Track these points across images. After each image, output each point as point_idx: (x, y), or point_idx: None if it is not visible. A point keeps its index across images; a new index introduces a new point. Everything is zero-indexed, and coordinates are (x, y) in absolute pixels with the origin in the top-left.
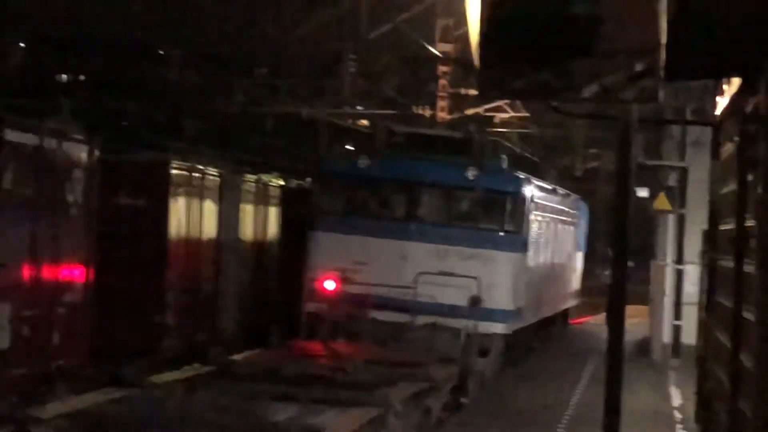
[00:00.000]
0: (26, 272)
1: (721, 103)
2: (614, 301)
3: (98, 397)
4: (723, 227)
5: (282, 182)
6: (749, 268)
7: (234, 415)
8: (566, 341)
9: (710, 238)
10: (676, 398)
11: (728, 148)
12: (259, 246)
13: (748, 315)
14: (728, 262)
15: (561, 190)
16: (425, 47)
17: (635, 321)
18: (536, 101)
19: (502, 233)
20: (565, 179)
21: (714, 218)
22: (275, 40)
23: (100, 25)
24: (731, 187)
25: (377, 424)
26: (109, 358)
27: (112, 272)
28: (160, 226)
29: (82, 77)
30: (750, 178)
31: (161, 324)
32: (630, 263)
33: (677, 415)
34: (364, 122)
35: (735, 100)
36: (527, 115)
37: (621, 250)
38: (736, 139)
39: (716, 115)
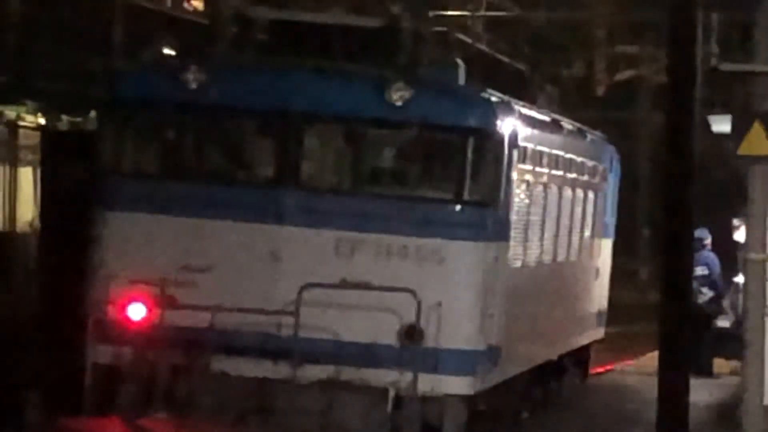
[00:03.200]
0: None
1: None
2: (670, 332)
3: None
4: None
5: (44, 121)
6: None
7: None
8: (584, 406)
9: None
10: None
11: None
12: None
13: None
14: None
15: (569, 125)
16: None
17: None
18: None
19: (459, 207)
20: (578, 104)
21: None
22: None
23: None
24: None
25: None
26: None
27: None
28: None
29: None
30: None
31: None
32: (705, 258)
33: None
34: (197, 3)
35: None
36: None
37: (679, 235)
38: None
39: None
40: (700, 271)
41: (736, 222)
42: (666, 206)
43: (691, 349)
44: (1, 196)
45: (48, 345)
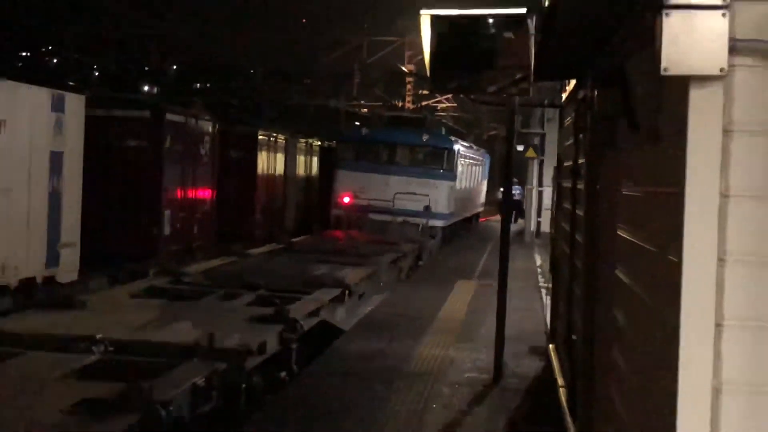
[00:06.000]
0: (178, 194)
1: (564, 95)
2: (504, 208)
3: (220, 261)
4: (565, 164)
5: (319, 143)
6: (580, 186)
7: (295, 270)
8: (477, 231)
9: (558, 171)
10: (538, 260)
11: (568, 120)
12: (307, 178)
13: (579, 212)
14: (568, 184)
15: (475, 147)
16: (399, 67)
17: (517, 223)
18: (461, 95)
19: (441, 170)
20: (477, 140)
21: (560, 160)
22: (316, 62)
23: (216, 56)
24: (569, 142)
25: (373, 276)
26: (227, 243)
27: (227, 193)
28: (252, 167)
29: (207, 84)
30: (580, 137)
31: (254, 221)
32: (516, 188)
33: (539, 270)
34: (365, 110)
35: (572, 92)
36: (455, 104)
37: (508, 179)
38: (572, 115)
39: (561, 102)
40: (519, 194)
41: (515, 180)
42: (505, 174)
43: (510, 214)
44: (308, 166)
45: (320, 209)
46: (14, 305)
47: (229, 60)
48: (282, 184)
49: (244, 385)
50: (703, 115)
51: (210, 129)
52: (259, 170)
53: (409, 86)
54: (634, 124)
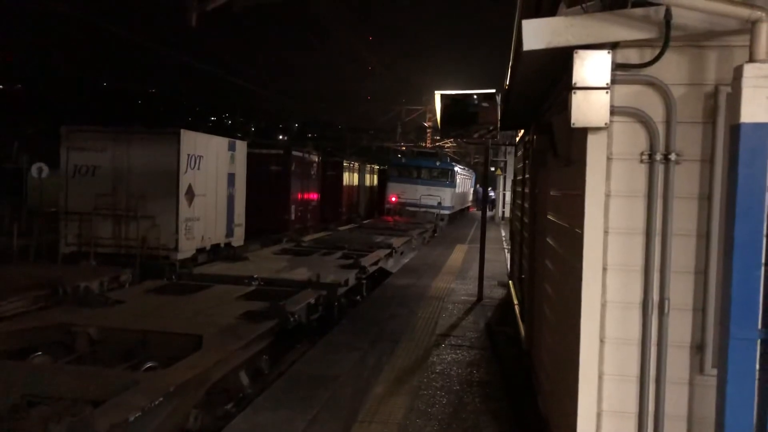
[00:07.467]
0: (299, 197)
1: (517, 138)
2: (483, 203)
3: (322, 234)
4: (518, 178)
5: (377, 167)
6: (526, 190)
7: (364, 238)
8: (468, 217)
9: (514, 182)
10: (503, 233)
11: (519, 153)
12: (371, 187)
13: (526, 205)
14: (519, 189)
15: (466, 168)
16: (422, 123)
17: (491, 212)
18: (459, 139)
19: (447, 182)
20: (468, 165)
21: (515, 175)
22: (376, 121)
23: (319, 118)
24: (520, 165)
25: (409, 242)
26: (326, 224)
27: (325, 196)
28: (339, 181)
29: (310, 135)
30: (526, 162)
31: (341, 212)
32: (491, 192)
33: (503, 238)
34: (404, 147)
35: (521, 137)
36: (455, 144)
37: (485, 186)
38: (522, 149)
39: (516, 142)
40: (493, 196)
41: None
42: (484, 183)
43: (485, 206)
44: (371, 179)
45: (378, 204)
46: (208, 259)
47: (326, 119)
48: (357, 190)
49: (336, 303)
50: (595, 149)
51: (316, 159)
52: (344, 183)
53: (428, 134)
54: (556, 154)
